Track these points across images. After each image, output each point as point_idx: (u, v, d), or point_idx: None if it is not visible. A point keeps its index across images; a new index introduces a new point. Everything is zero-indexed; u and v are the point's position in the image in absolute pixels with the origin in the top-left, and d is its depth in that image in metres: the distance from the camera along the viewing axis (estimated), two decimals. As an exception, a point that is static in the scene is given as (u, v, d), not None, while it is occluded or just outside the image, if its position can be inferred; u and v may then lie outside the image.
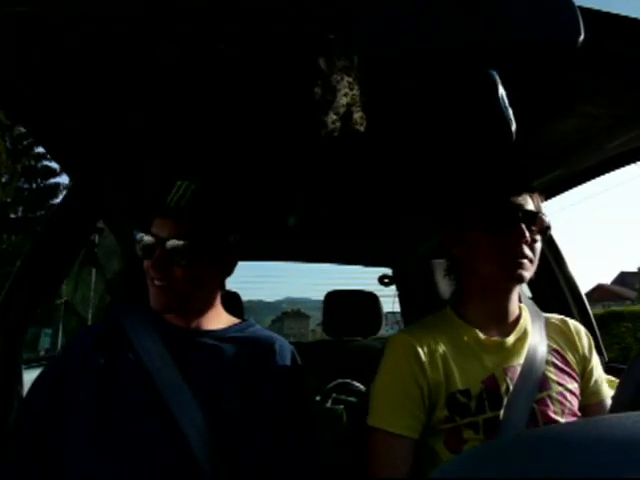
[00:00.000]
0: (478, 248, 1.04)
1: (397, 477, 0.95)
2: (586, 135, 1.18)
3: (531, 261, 1.01)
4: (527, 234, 0.99)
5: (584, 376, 1.08)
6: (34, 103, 1.06)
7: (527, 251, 1.00)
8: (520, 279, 1.00)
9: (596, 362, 1.11)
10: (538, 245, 1.04)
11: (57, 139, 1.21)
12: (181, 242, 0.98)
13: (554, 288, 1.70)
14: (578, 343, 1.11)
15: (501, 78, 0.73)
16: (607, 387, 1.09)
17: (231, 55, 0.88)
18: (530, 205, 1.05)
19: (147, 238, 1.01)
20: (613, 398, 0.88)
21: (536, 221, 1.04)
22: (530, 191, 1.07)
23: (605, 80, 0.92)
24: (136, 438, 0.91)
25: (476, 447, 0.57)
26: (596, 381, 1.08)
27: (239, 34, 0.81)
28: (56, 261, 1.42)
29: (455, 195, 1.18)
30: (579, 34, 0.63)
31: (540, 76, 0.91)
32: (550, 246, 1.70)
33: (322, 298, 2.54)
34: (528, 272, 1.01)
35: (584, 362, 1.09)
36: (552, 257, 1.70)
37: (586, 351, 1.10)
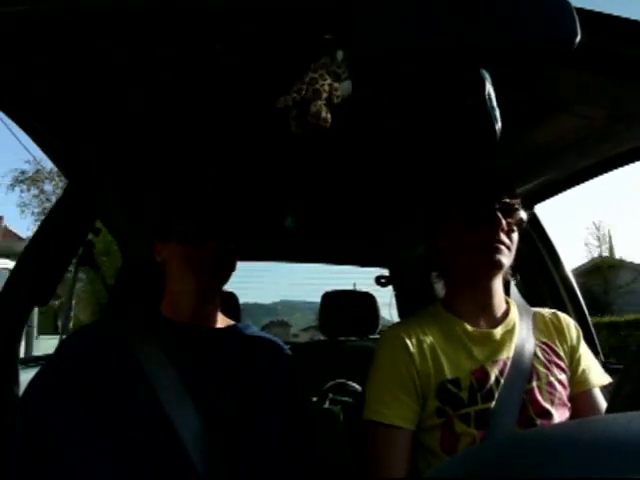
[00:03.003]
0: (459, 239, 1.08)
1: (395, 468, 0.96)
2: (582, 136, 1.19)
3: (509, 248, 1.05)
4: (504, 222, 1.04)
5: (572, 366, 1.10)
6: (32, 104, 1.06)
7: (504, 238, 1.04)
8: (499, 264, 1.04)
9: (585, 352, 1.13)
10: (515, 235, 1.08)
11: (54, 139, 1.21)
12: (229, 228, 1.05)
13: (550, 287, 1.70)
14: (567, 335, 1.13)
15: (497, 77, 0.73)
16: (595, 377, 1.10)
17: (227, 56, 0.88)
18: (506, 198, 1.09)
19: (197, 227, 1.03)
20: (610, 396, 0.88)
21: (512, 213, 1.08)
22: (510, 188, 1.11)
23: (602, 81, 0.93)
24: (132, 440, 0.91)
25: (471, 448, 0.58)
26: (584, 370, 1.10)
27: (237, 35, 0.81)
28: (53, 261, 1.41)
29: (438, 190, 1.22)
30: (576, 35, 0.63)
31: (536, 76, 0.91)
32: (546, 246, 1.70)
33: (317, 300, 2.54)
34: (506, 258, 1.05)
35: (572, 352, 1.11)
36: (548, 256, 1.70)
37: (574, 342, 1.13)
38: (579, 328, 1.17)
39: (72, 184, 1.43)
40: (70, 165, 1.35)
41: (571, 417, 1.05)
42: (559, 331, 1.13)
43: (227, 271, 1.09)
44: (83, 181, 1.41)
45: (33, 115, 1.10)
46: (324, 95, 0.74)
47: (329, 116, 0.75)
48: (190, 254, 1.02)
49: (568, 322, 1.16)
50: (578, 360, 1.11)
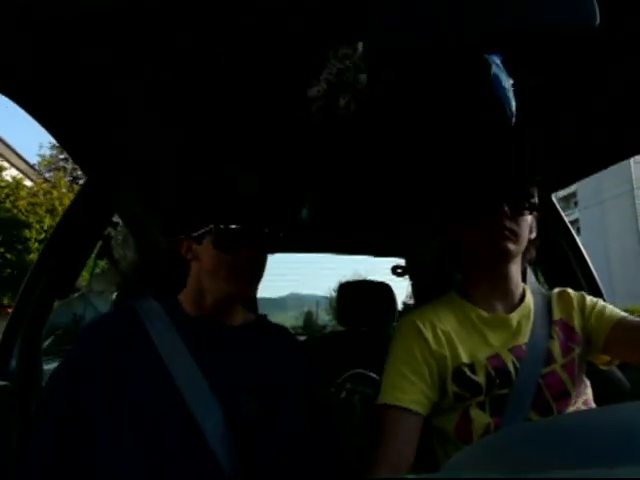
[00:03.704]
0: (467, 227, 1.08)
1: (399, 451, 0.96)
2: (600, 123, 1.17)
3: (516, 235, 1.03)
4: (507, 209, 1.02)
5: (589, 320, 1.09)
6: (52, 102, 1.07)
7: (510, 225, 1.02)
8: (505, 250, 1.03)
9: (592, 302, 1.11)
10: (525, 221, 1.06)
11: (72, 134, 1.22)
12: (267, 230, 1.03)
13: (569, 275, 1.68)
14: (575, 305, 1.12)
15: (513, 64, 0.72)
16: (613, 310, 1.09)
17: (240, 51, 0.88)
18: (513, 185, 1.07)
19: (236, 227, 1.01)
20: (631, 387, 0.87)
21: (520, 199, 1.06)
22: (518, 175, 1.09)
23: (621, 65, 0.91)
24: (155, 434, 0.92)
25: (484, 439, 0.57)
26: (601, 312, 1.08)
27: (248, 29, 0.81)
28: (73, 255, 1.43)
29: (449, 180, 1.21)
30: (595, 19, 0.62)
31: (553, 63, 0.90)
32: (564, 233, 1.68)
33: (325, 294, 2.54)
34: (513, 245, 1.03)
35: (583, 312, 1.10)
36: (566, 244, 1.68)
37: (583, 305, 1.11)
38: (581, 292, 1.16)
39: (90, 179, 1.45)
40: (88, 160, 1.36)
41: (618, 353, 1.06)
42: (570, 305, 1.12)
43: (260, 275, 1.08)
44: (101, 176, 1.43)
45: (53, 113, 1.11)
46: (350, 87, 0.75)
47: (354, 107, 0.76)
48: (225, 259, 1.01)
49: (572, 293, 1.15)
50: (592, 307, 1.10)
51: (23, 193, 11.17)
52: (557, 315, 1.10)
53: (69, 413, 0.95)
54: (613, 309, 1.10)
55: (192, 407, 0.93)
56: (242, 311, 1.14)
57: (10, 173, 12.16)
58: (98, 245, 1.57)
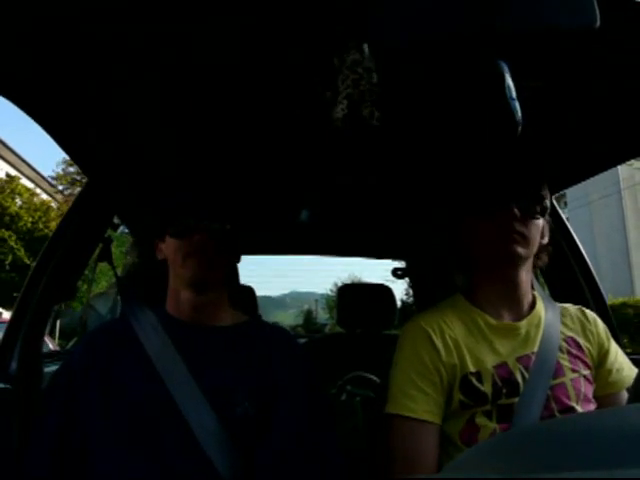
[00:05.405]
0: (475, 229, 1.06)
1: (423, 464, 0.93)
2: (599, 124, 1.17)
3: (525, 238, 1.01)
4: (516, 211, 1.00)
5: (603, 365, 1.07)
6: (52, 104, 1.07)
7: (519, 228, 1.00)
8: (514, 254, 1.00)
9: (615, 351, 1.09)
10: (534, 224, 1.04)
11: (73, 136, 1.22)
12: (218, 225, 1.10)
13: (570, 279, 1.68)
14: (594, 331, 1.10)
15: (513, 68, 0.72)
16: (627, 376, 1.07)
17: (242, 53, 0.88)
18: (522, 187, 1.05)
19: (187, 219, 1.08)
20: (631, 388, 0.87)
21: (530, 202, 1.04)
22: (528, 177, 1.07)
23: (621, 66, 0.91)
24: (148, 439, 0.92)
25: (485, 441, 0.57)
26: (618, 370, 1.07)
27: (250, 31, 0.81)
28: (73, 257, 1.43)
29: (455, 181, 1.20)
30: (595, 21, 0.61)
31: (553, 64, 0.90)
32: (566, 237, 1.68)
33: (324, 291, 2.54)
34: (522, 248, 1.01)
35: (600, 349, 1.08)
36: (568, 248, 1.68)
37: (603, 339, 1.09)
38: (606, 327, 1.13)
39: (91, 181, 1.45)
40: (89, 162, 1.36)
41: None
42: (584, 327, 1.10)
43: (217, 261, 1.09)
44: (102, 178, 1.43)
45: (52, 115, 1.11)
46: (368, 96, 0.74)
47: (378, 115, 0.76)
48: (179, 245, 1.07)
49: (595, 318, 1.13)
50: (609, 359, 1.07)
51: (53, 214, 13.61)
52: (569, 331, 1.08)
53: (66, 415, 0.96)
54: (627, 373, 1.07)
55: (184, 410, 0.94)
56: (230, 312, 1.15)
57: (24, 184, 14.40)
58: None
